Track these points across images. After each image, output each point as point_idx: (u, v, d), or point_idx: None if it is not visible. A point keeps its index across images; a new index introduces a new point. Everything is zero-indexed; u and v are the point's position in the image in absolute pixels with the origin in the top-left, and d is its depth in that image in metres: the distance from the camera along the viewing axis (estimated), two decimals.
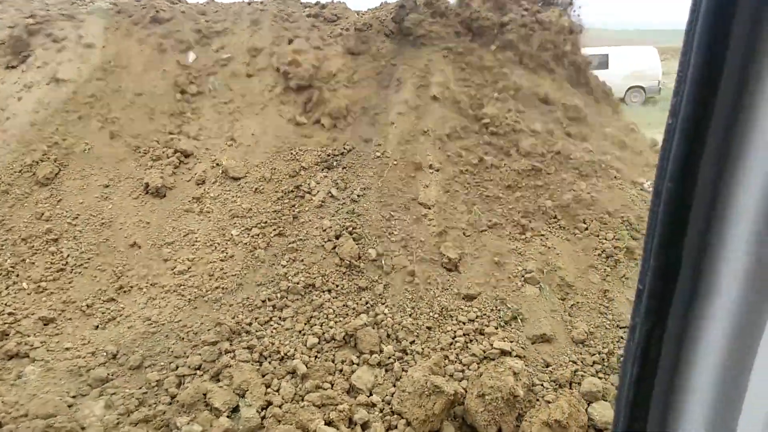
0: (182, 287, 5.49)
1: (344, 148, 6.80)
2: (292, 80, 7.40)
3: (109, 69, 7.53)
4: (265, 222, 6.06)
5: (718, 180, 0.82)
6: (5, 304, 5.40)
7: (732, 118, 0.80)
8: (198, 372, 4.83)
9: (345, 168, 6.56)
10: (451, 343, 5.06)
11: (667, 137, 0.85)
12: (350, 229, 5.85)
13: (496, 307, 5.35)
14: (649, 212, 0.90)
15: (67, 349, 5.08)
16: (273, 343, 5.04)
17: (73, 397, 4.68)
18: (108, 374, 4.83)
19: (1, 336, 5.17)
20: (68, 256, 5.76)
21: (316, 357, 4.99)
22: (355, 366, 4.92)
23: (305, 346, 5.05)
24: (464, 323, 5.23)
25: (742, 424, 0.85)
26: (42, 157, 6.52)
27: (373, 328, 5.11)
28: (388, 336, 5.11)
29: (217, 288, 5.47)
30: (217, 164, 6.60)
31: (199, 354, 4.93)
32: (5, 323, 5.23)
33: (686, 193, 0.84)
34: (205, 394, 4.66)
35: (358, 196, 6.18)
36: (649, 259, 0.90)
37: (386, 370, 4.89)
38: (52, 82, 7.32)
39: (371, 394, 4.71)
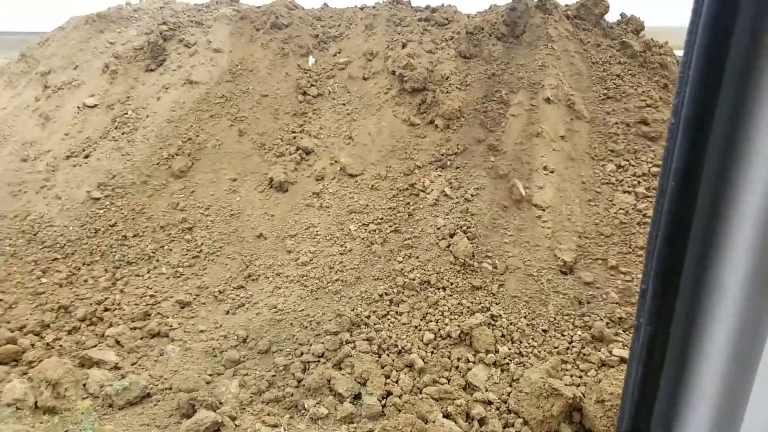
0: (305, 278, 5.78)
1: (457, 149, 6.90)
2: (407, 83, 7.58)
3: (237, 72, 8.02)
4: (381, 218, 6.27)
5: (721, 179, 0.82)
6: (147, 287, 5.91)
7: (734, 117, 0.79)
8: (321, 359, 5.08)
9: (459, 168, 6.65)
10: (568, 348, 5.04)
11: (670, 137, 0.85)
12: (464, 228, 5.94)
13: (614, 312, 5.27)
14: (653, 211, 0.90)
15: (201, 331, 5.49)
16: (390, 337, 5.22)
17: (210, 375, 5.06)
18: (240, 357, 5.18)
19: (144, 316, 5.66)
20: (202, 244, 6.21)
21: (432, 353, 5.12)
22: (470, 364, 5.01)
23: (422, 341, 5.19)
24: (581, 328, 5.19)
25: (746, 423, 0.85)
26: (177, 152, 7.06)
27: (488, 328, 5.17)
28: (503, 336, 5.15)
29: (337, 280, 5.72)
30: (336, 162, 6.88)
31: (322, 342, 5.18)
32: (147, 305, 5.73)
33: (689, 193, 0.84)
34: (329, 380, 4.91)
35: (472, 195, 6.25)
36: (653, 259, 0.90)
37: (502, 370, 4.94)
38: (187, 84, 7.89)
39: (487, 392, 4.78)
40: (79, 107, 8.00)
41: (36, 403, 4.81)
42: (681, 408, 0.93)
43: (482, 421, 4.58)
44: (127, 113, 7.74)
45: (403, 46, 8.25)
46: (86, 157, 7.25)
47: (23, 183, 7.13)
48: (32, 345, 5.46)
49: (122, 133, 7.47)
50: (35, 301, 5.87)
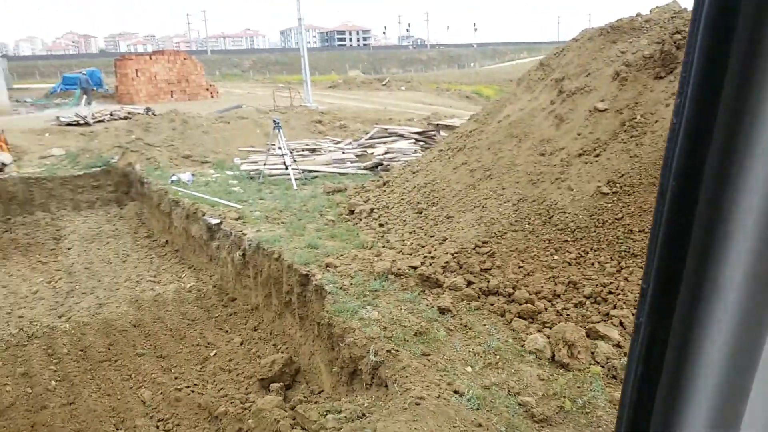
0: None
1: None
2: None
3: None
4: None
5: (723, 179, 0.81)
6: None
7: (736, 117, 0.78)
8: None
9: None
10: None
11: (671, 137, 0.84)
12: None
13: None
14: (654, 211, 0.88)
15: None
16: None
17: None
18: None
19: None
20: None
21: None
22: None
23: None
24: None
25: (746, 423, 0.84)
26: None
27: None
28: None
29: None
30: None
31: None
32: None
33: (690, 193, 0.83)
34: None
35: None
36: (654, 258, 0.89)
37: None
38: None
39: None
40: (590, 111, 8.89)
41: (553, 356, 5.71)
42: (681, 408, 0.92)
43: None
44: (635, 118, 8.24)
45: None
46: (596, 156, 8.04)
47: (541, 174, 8.36)
48: (545, 309, 6.46)
49: (630, 137, 8.00)
50: (548, 273, 6.90)
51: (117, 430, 6.40)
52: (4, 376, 7.49)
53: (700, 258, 0.86)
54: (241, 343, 8.39)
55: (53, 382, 7.38)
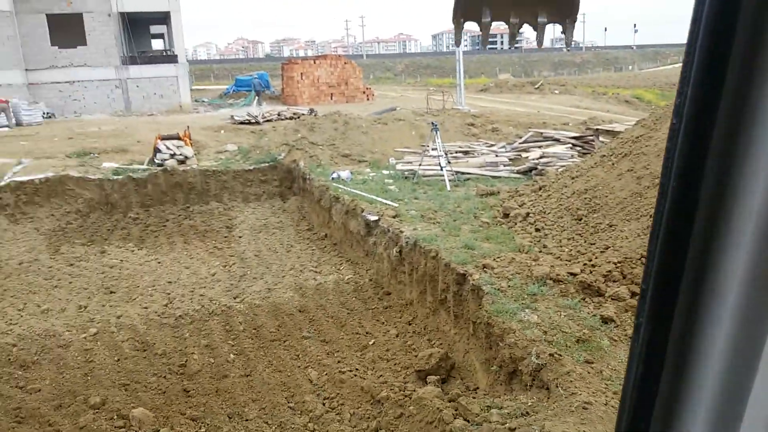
0: None
1: None
2: None
3: None
4: None
5: (723, 180, 0.81)
6: None
7: (736, 118, 0.78)
8: None
9: None
10: None
11: (672, 137, 0.84)
12: None
13: None
14: (654, 212, 0.89)
15: None
16: None
17: None
18: None
19: None
20: None
21: None
22: None
23: None
24: None
25: (746, 423, 0.84)
26: None
27: None
28: None
29: None
30: None
31: None
32: None
33: (691, 194, 0.83)
34: None
35: None
36: (654, 258, 0.89)
37: None
38: None
39: None
40: None
41: None
42: (681, 408, 0.91)
43: None
44: None
45: None
46: None
47: None
48: None
49: None
50: None
51: (288, 402, 7.00)
52: (191, 346, 8.45)
53: (700, 258, 0.85)
54: (397, 335, 8.75)
55: (232, 355, 8.22)
